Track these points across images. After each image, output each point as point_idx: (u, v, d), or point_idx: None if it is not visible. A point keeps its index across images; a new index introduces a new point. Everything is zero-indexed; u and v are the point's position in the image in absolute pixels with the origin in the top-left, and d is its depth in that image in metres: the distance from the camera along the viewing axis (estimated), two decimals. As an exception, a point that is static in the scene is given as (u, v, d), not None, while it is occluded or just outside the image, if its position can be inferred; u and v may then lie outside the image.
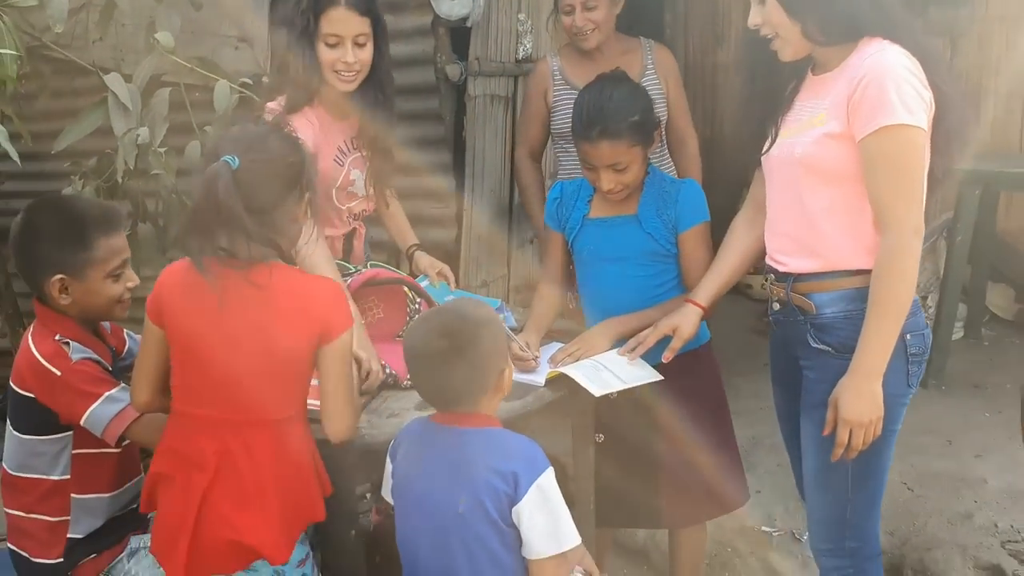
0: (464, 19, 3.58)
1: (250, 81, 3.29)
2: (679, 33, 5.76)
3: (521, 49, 3.81)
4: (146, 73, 3.31)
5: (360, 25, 2.50)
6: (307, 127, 2.51)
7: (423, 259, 2.86)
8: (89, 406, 2.05)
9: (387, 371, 2.26)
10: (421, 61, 3.71)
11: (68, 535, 2.14)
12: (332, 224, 2.69)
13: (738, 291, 4.82)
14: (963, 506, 3.19)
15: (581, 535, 2.38)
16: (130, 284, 2.23)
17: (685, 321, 2.26)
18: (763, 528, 3.15)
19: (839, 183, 1.98)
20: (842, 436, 1.96)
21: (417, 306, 2.42)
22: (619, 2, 2.97)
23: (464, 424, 1.83)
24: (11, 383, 2.16)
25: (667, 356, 2.26)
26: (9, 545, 2.22)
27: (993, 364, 4.49)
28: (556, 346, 2.42)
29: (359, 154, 2.70)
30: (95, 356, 2.14)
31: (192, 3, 3.49)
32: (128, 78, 3.25)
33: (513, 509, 1.76)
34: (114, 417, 2.05)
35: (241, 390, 1.89)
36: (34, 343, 2.13)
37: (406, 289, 2.39)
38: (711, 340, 2.57)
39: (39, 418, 2.12)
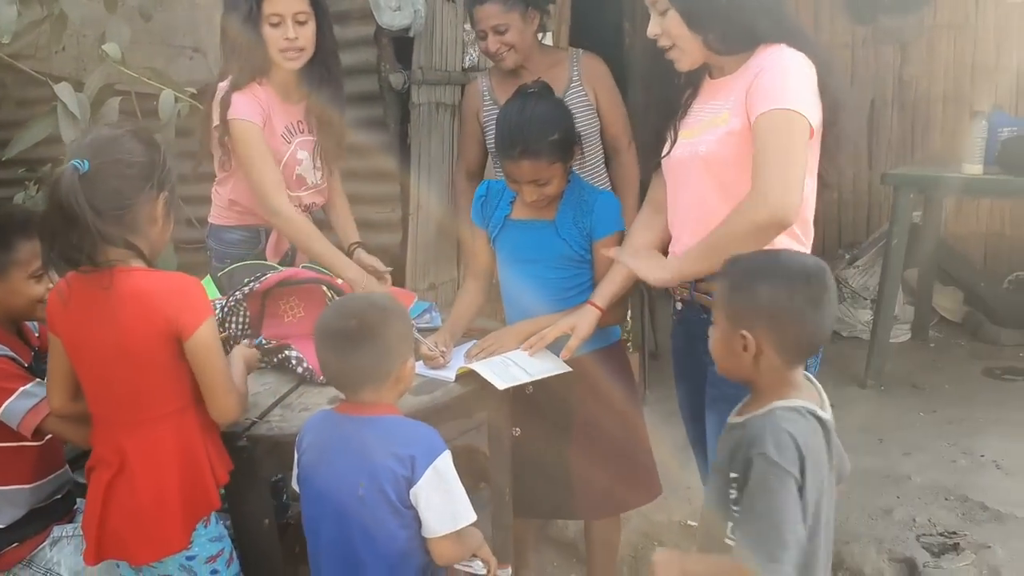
0: (406, 29, 3.68)
1: (196, 91, 3.40)
2: (638, 42, 5.84)
3: (467, 58, 3.91)
4: (97, 83, 3.42)
5: (298, 3, 2.71)
6: (251, 102, 2.72)
7: (365, 258, 2.95)
8: (3, 401, 2.15)
9: (305, 366, 2.36)
10: (365, 70, 3.81)
11: None
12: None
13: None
14: (885, 502, 3.28)
15: (499, 526, 2.51)
16: (51, 285, 2.29)
17: (582, 321, 2.35)
18: (689, 522, 3.23)
19: (739, 181, 2.03)
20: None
21: (335, 305, 2.50)
22: (533, 20, 2.95)
23: (365, 412, 1.92)
24: None
25: (564, 353, 2.35)
26: None
27: (935, 365, 4.61)
28: (472, 343, 2.51)
29: (307, 136, 2.87)
30: (10, 354, 2.23)
31: (141, 15, 3.58)
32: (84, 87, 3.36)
33: (411, 491, 1.85)
34: (29, 411, 2.15)
35: (114, 391, 1.97)
36: None
37: (325, 289, 2.48)
38: (621, 339, 2.66)
39: None
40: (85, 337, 1.96)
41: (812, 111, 1.97)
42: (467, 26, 3.85)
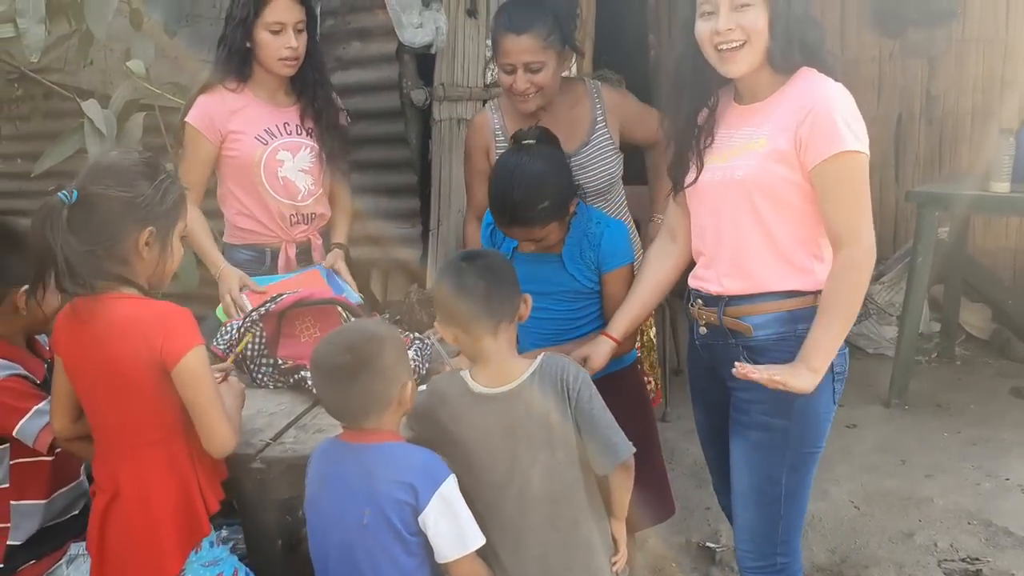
0: (428, 46, 3.69)
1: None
2: (662, 55, 5.82)
3: (490, 74, 3.91)
4: (122, 98, 3.47)
5: (299, 13, 2.77)
6: (215, 104, 2.81)
7: (335, 262, 2.96)
8: (18, 421, 2.17)
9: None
10: (387, 87, 3.83)
11: (7, 542, 2.25)
12: (265, 214, 2.89)
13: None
14: (907, 525, 3.25)
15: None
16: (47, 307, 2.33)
17: (596, 351, 2.32)
18: (707, 544, 3.21)
19: (777, 205, 2.03)
20: (763, 370, 1.99)
21: (351, 326, 2.52)
22: (568, 58, 2.72)
23: (367, 440, 1.92)
24: None
25: None
26: None
27: (961, 384, 4.55)
28: None
29: (295, 138, 2.88)
30: (23, 372, 2.25)
31: (166, 31, 3.63)
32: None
33: (419, 519, 1.86)
34: (43, 429, 2.17)
35: (107, 417, 1.98)
36: None
37: (340, 309, 2.49)
38: (637, 360, 2.65)
39: None
40: (80, 362, 1.97)
41: (866, 140, 1.98)
42: (488, 42, 3.85)
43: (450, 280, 2.01)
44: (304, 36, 2.80)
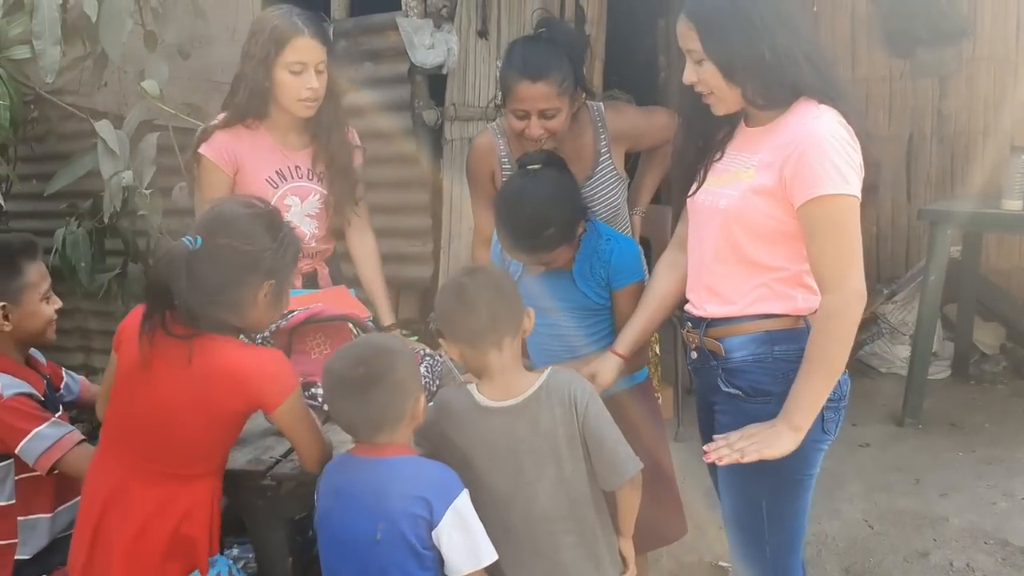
0: (439, 67, 3.72)
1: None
2: (675, 77, 5.85)
3: (499, 95, 3.92)
4: (136, 119, 3.50)
5: (321, 53, 2.67)
6: (232, 142, 2.72)
7: None
8: (20, 441, 2.19)
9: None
10: (398, 107, 3.86)
11: (15, 557, 2.26)
12: None
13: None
14: (922, 544, 3.22)
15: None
16: (56, 306, 2.42)
17: (603, 368, 2.30)
18: (720, 563, 3.19)
19: (757, 238, 2.00)
20: (732, 436, 1.96)
21: (362, 343, 2.52)
22: (580, 99, 2.63)
23: (380, 454, 1.92)
24: None
25: None
26: None
27: (975, 403, 4.51)
28: None
29: (305, 183, 2.82)
30: (28, 390, 2.26)
31: (180, 53, 3.66)
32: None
33: (433, 533, 1.86)
34: (43, 452, 2.19)
35: (150, 439, 2.00)
36: None
37: (351, 326, 2.50)
38: (649, 378, 2.64)
39: None
40: (150, 383, 1.97)
41: (856, 182, 1.91)
42: (499, 62, 3.87)
43: (453, 296, 2.02)
44: (325, 77, 2.70)
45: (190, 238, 1.93)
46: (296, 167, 2.81)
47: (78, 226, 3.77)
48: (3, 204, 3.15)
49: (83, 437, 2.26)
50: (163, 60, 3.54)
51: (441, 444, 2.02)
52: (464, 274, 2.07)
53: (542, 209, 2.24)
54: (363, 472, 1.92)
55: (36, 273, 2.35)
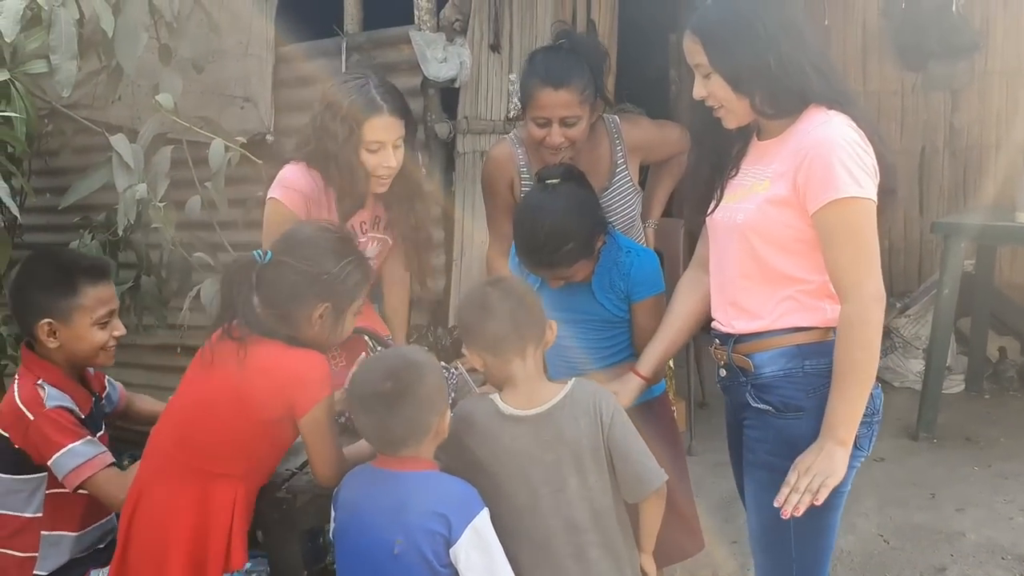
0: (452, 80, 3.73)
1: (246, 140, 3.47)
2: (686, 91, 5.84)
3: (512, 108, 3.94)
4: (150, 132, 3.51)
5: (399, 128, 2.52)
6: (306, 182, 2.56)
7: None
8: (53, 454, 2.18)
9: (347, 416, 2.36)
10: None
11: (34, 572, 2.25)
12: None
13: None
14: (938, 560, 3.19)
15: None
16: (116, 333, 2.36)
17: (624, 389, 2.27)
18: (734, 579, 3.17)
19: (779, 250, 1.99)
20: (789, 476, 1.93)
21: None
22: (599, 109, 2.63)
23: (401, 468, 1.92)
24: None
25: None
26: None
27: (990, 417, 4.48)
28: None
29: (370, 234, 2.71)
30: (70, 404, 2.26)
31: (194, 66, 3.67)
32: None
33: (451, 551, 1.84)
34: (73, 469, 2.18)
35: (180, 430, 2.08)
36: (17, 386, 2.28)
37: (367, 338, 2.49)
38: (666, 392, 2.63)
39: (14, 458, 2.24)
40: (204, 381, 2.08)
41: (869, 185, 1.89)
42: (512, 76, 3.89)
43: (476, 304, 2.02)
44: (402, 151, 2.55)
45: (260, 252, 2.08)
46: (363, 223, 2.69)
47: (92, 239, 3.77)
48: (19, 217, 3.12)
49: (113, 461, 2.25)
50: (177, 74, 3.54)
51: (460, 456, 2.01)
52: (487, 283, 2.08)
53: (561, 225, 2.24)
54: (383, 485, 1.91)
55: (94, 297, 2.31)
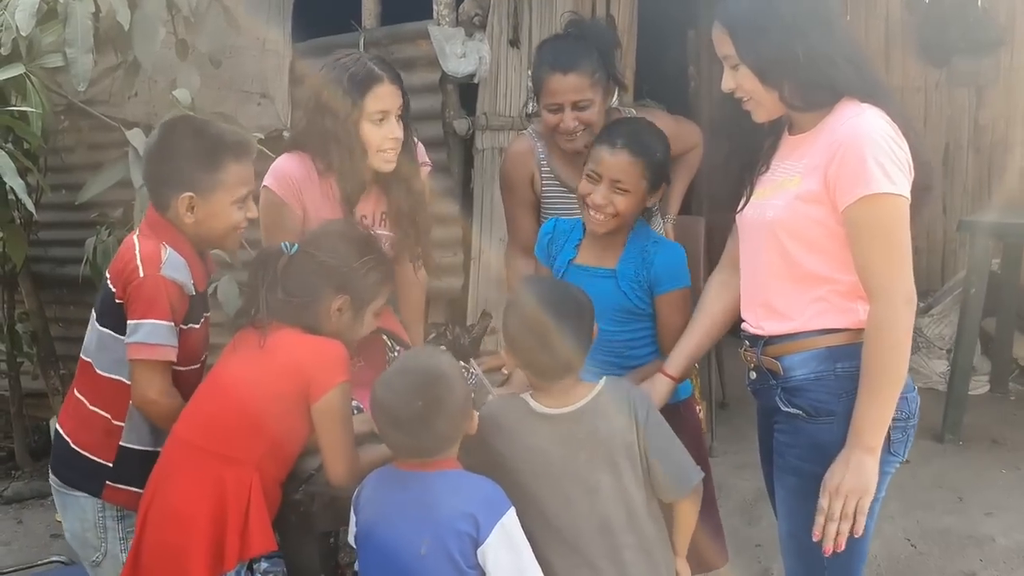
0: (471, 76, 3.69)
1: (262, 135, 3.44)
2: (704, 87, 5.81)
3: (531, 104, 3.89)
4: (166, 128, 3.48)
5: (399, 97, 2.46)
6: (297, 168, 2.50)
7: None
8: (136, 318, 2.09)
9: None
10: (430, 116, 3.83)
11: (120, 443, 2.18)
12: None
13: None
14: (967, 565, 3.13)
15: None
16: (250, 215, 2.25)
17: (655, 390, 2.23)
18: (758, 585, 3.12)
19: (810, 247, 1.93)
20: (821, 501, 1.88)
21: (396, 354, 2.48)
22: (612, 92, 2.65)
23: (426, 468, 1.88)
24: (107, 273, 2.20)
25: None
26: (59, 428, 2.26)
27: (1016, 419, 4.40)
28: None
29: (384, 231, 2.62)
30: (184, 279, 2.14)
31: (211, 61, 3.65)
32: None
33: (478, 551, 1.81)
34: (135, 342, 2.08)
35: (198, 412, 2.08)
36: (139, 243, 2.15)
37: (385, 337, 2.45)
38: (692, 394, 2.57)
39: (119, 314, 2.14)
40: (227, 366, 2.13)
41: (903, 181, 1.83)
42: (530, 72, 3.84)
43: (529, 328, 1.96)
44: (401, 125, 2.47)
45: (286, 244, 2.16)
46: (363, 216, 2.59)
47: (108, 235, 3.75)
48: (34, 213, 3.10)
49: (173, 361, 2.15)
50: (195, 69, 3.52)
51: (485, 457, 1.97)
52: (540, 301, 1.98)
53: (657, 135, 2.34)
54: (408, 486, 1.87)
55: (236, 175, 2.17)
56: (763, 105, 1.98)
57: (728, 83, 1.99)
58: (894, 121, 1.88)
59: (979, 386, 4.68)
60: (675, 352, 2.27)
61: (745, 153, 2.11)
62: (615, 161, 2.29)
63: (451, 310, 3.93)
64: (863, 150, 1.82)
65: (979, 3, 5.07)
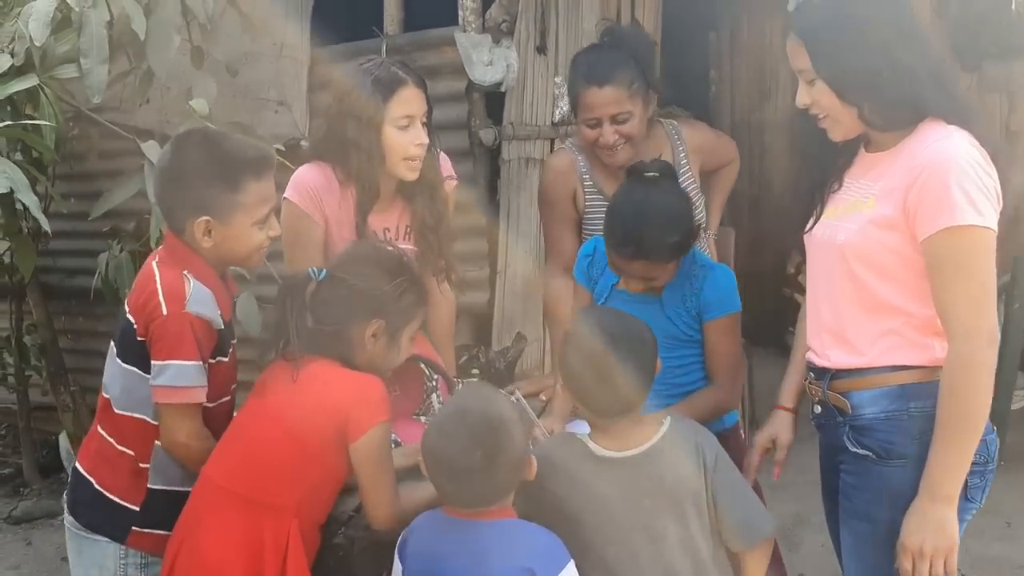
0: (498, 84, 3.57)
1: (283, 147, 3.32)
2: (726, 91, 5.72)
3: (558, 111, 3.76)
4: (182, 138, 3.36)
5: (424, 102, 2.41)
6: (319, 180, 2.43)
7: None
8: (161, 358, 1.96)
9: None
10: (455, 126, 3.71)
11: (148, 485, 2.05)
12: None
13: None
14: (1022, 595, 3.01)
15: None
16: (272, 234, 2.11)
17: (781, 428, 2.14)
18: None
19: (882, 276, 1.82)
20: (903, 564, 1.77)
21: (434, 383, 2.37)
22: (652, 101, 2.54)
23: (478, 517, 1.77)
24: (126, 304, 2.07)
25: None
26: (80, 468, 2.12)
27: (1059, 438, 4.26)
28: (584, 424, 2.33)
29: (408, 245, 2.53)
30: (211, 314, 2.01)
31: (228, 69, 3.53)
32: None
33: None
34: (163, 385, 1.95)
35: (233, 457, 1.95)
36: (159, 272, 2.01)
37: (422, 366, 2.33)
38: (738, 423, 2.46)
39: (140, 351, 2.01)
40: (258, 405, 2.01)
41: (990, 212, 1.71)
42: (557, 79, 3.72)
43: (591, 366, 1.85)
44: (426, 131, 2.41)
45: (314, 270, 2.03)
46: (386, 229, 2.51)
47: (121, 250, 3.63)
48: (44, 225, 2.98)
49: (203, 401, 2.02)
50: (211, 77, 3.40)
51: (541, 501, 1.85)
52: (600, 327, 1.88)
53: (668, 215, 2.13)
54: (461, 535, 1.76)
55: (256, 195, 2.03)
56: (841, 123, 1.86)
57: (803, 98, 1.88)
58: (982, 146, 1.75)
59: (1017, 400, 4.56)
60: (785, 383, 2.16)
61: (818, 169, 2.01)
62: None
63: (476, 325, 3.80)
64: (948, 177, 1.70)
65: (1013, 7, 4.95)
